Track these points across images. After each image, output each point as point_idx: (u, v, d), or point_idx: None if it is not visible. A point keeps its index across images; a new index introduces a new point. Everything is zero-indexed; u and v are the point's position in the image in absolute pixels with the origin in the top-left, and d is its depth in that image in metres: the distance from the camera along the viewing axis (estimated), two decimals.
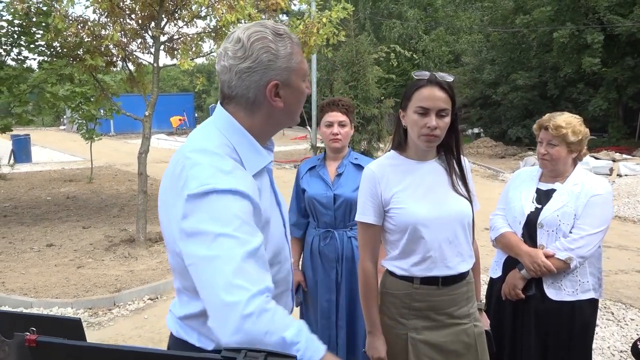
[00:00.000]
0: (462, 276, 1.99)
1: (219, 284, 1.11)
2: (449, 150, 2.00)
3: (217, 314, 1.11)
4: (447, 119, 1.88)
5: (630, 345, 2.52)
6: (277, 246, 1.40)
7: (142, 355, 0.77)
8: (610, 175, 12.25)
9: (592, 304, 2.48)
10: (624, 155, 13.82)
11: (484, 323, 2.20)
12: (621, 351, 3.98)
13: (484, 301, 2.27)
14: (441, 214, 1.92)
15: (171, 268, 1.40)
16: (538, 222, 2.46)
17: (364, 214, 1.99)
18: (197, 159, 1.27)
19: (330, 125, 2.84)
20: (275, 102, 1.34)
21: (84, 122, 11.88)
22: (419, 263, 1.93)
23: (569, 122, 2.44)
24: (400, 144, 2.02)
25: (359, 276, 2.06)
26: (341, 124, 2.84)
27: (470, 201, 2.00)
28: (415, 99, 1.89)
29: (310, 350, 1.13)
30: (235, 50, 1.31)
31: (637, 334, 4.23)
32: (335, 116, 2.83)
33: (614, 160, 13.04)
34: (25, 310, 4.75)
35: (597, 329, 4.33)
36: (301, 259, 3.03)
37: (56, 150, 20.99)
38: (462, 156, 2.02)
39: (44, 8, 7.50)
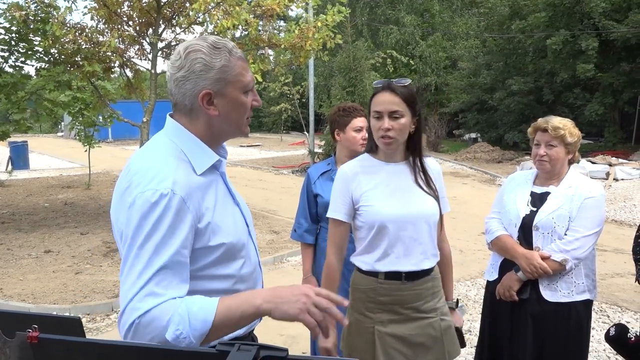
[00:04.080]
0: (425, 272, 2.08)
1: (130, 290, 1.25)
2: (413, 152, 2.11)
3: (122, 314, 1.25)
4: (403, 120, 1.99)
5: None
6: (238, 241, 1.47)
7: (139, 350, 0.79)
8: (606, 179, 12.29)
9: (587, 305, 2.52)
10: (620, 160, 13.85)
11: (456, 320, 2.29)
12: (617, 354, 3.99)
13: (455, 300, 2.35)
14: (408, 212, 2.02)
15: None
16: (533, 224, 2.49)
17: (336, 210, 2.12)
18: (141, 164, 1.39)
19: (360, 130, 2.83)
20: (209, 110, 1.42)
21: (83, 128, 11.88)
22: (382, 258, 2.04)
23: (564, 124, 2.52)
24: (372, 148, 2.14)
25: (323, 269, 2.18)
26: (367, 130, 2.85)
27: (438, 201, 2.09)
28: (372, 105, 2.05)
29: (193, 330, 1.22)
30: (174, 60, 1.43)
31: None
32: (364, 122, 2.82)
33: (610, 165, 13.07)
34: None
35: (592, 332, 4.35)
36: (313, 265, 3.00)
37: (54, 156, 20.95)
38: (424, 157, 2.12)
39: (42, 15, 7.54)
